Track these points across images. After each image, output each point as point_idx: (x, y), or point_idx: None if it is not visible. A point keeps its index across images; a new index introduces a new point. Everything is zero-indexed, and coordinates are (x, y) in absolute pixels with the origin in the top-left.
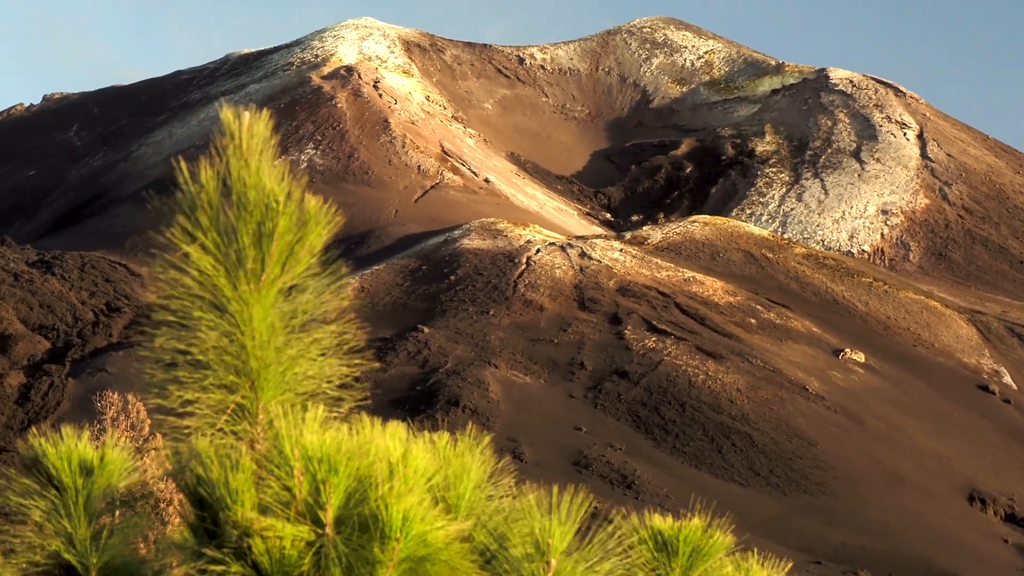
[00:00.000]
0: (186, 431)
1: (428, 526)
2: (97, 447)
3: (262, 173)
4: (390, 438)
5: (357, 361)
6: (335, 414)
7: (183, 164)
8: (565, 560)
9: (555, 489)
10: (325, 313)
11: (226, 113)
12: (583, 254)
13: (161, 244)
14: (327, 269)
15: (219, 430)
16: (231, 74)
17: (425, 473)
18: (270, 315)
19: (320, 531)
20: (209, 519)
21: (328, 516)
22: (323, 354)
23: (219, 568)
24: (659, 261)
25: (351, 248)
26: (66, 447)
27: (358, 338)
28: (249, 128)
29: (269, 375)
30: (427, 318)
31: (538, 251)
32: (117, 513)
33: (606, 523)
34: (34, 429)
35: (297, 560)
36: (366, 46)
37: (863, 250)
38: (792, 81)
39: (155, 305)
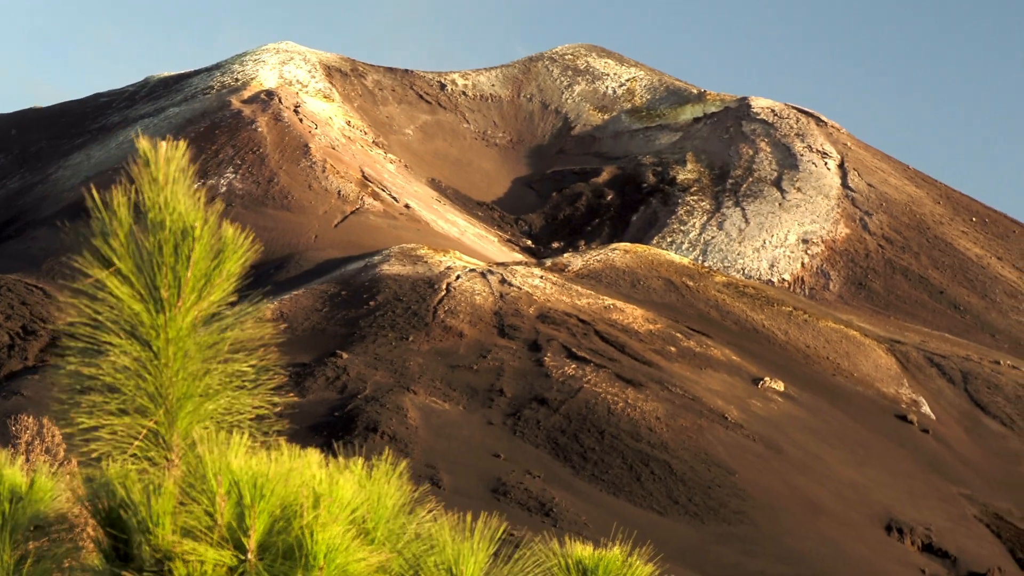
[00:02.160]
0: (97, 455)
1: (351, 556)
2: (26, 474)
3: (177, 200)
4: (315, 467)
5: (276, 399)
6: (256, 442)
7: (95, 191)
8: None
9: (468, 517)
10: (245, 343)
11: (142, 142)
12: (503, 281)
13: (75, 270)
14: (247, 299)
15: (132, 455)
16: (151, 97)
17: (351, 504)
18: (186, 342)
19: (243, 557)
20: (123, 543)
21: (251, 542)
22: (242, 387)
23: None
24: (579, 288)
25: (270, 273)
26: None
27: (277, 371)
28: (166, 156)
29: (185, 403)
30: (346, 344)
31: (458, 277)
32: (42, 539)
33: (523, 550)
34: None
35: None
36: (287, 70)
37: (783, 279)
38: (714, 110)
39: (65, 330)
